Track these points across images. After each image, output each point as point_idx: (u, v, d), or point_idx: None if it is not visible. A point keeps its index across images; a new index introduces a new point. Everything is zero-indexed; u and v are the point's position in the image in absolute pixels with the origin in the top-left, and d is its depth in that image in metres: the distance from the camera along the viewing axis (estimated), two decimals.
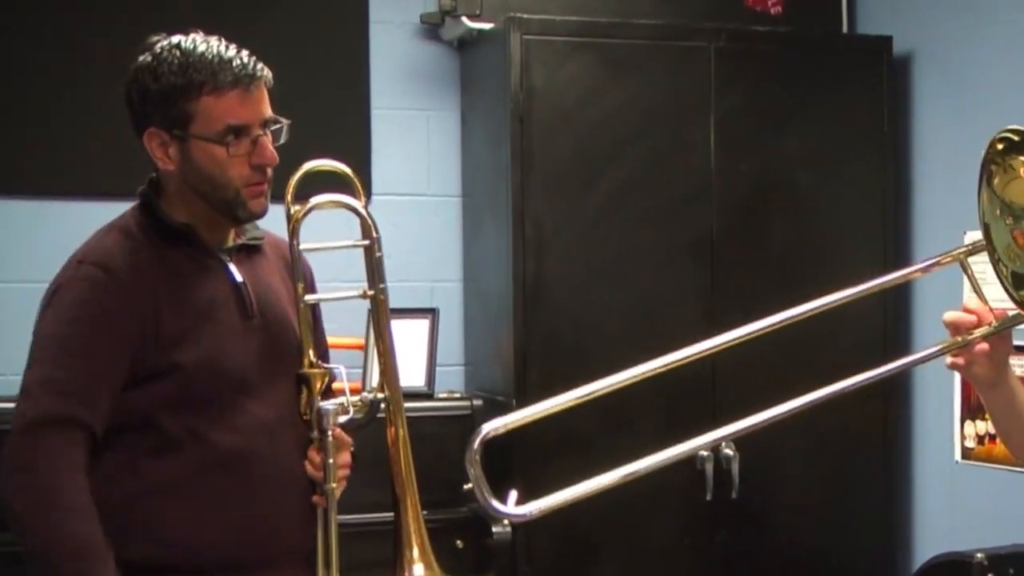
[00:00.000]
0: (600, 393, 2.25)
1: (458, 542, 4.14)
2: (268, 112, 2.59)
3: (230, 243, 2.67)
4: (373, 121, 4.60)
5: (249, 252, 2.71)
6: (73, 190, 4.33)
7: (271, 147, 2.58)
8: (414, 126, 4.66)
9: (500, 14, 4.30)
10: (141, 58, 2.58)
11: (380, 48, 4.60)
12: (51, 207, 4.35)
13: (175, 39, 2.57)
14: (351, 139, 4.56)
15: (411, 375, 4.16)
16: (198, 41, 2.57)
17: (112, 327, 2.48)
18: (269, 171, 2.60)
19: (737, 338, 2.35)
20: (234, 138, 2.54)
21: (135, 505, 2.49)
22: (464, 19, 4.41)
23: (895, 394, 4.52)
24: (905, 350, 4.46)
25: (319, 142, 4.31)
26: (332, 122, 4.51)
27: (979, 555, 3.52)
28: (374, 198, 4.55)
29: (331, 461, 2.63)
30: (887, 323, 4.48)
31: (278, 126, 2.60)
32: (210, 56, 2.54)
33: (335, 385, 2.73)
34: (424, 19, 4.57)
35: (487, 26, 4.38)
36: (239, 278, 2.63)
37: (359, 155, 4.53)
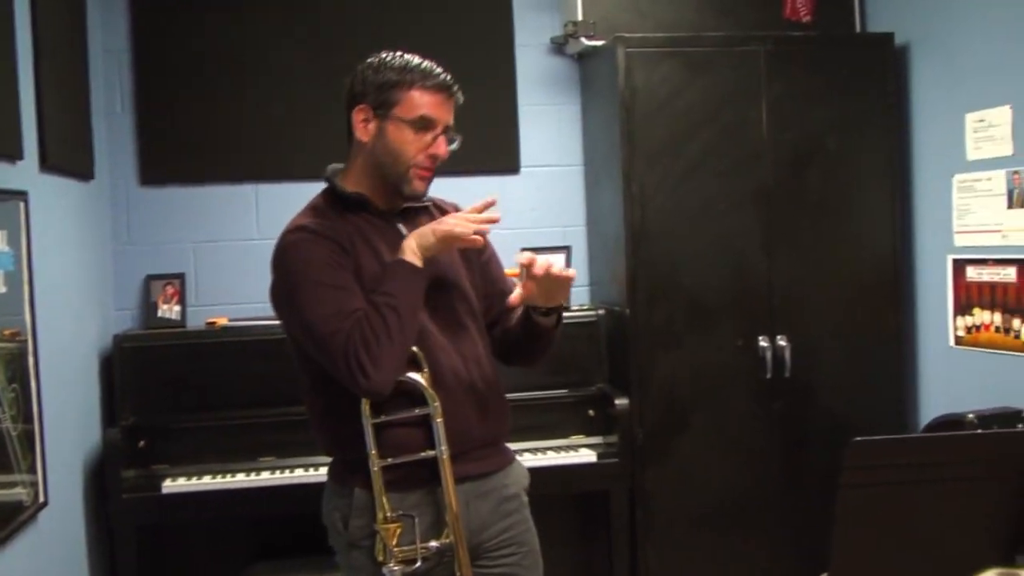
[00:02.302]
0: None
1: (590, 412, 4.23)
2: (451, 121, 2.53)
3: (400, 208, 2.58)
4: (520, 114, 4.64)
5: (416, 213, 2.61)
6: (280, 176, 4.37)
7: (446, 146, 2.52)
8: (549, 117, 4.69)
9: (609, 34, 4.30)
10: (369, 59, 2.54)
11: (523, 62, 4.65)
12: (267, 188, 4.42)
13: (399, 52, 2.54)
14: (505, 128, 4.62)
15: None
16: (416, 56, 2.54)
17: (335, 260, 2.42)
18: (436, 164, 2.53)
19: None
20: (423, 128, 2.48)
21: None
22: (583, 39, 4.43)
23: (904, 295, 4.47)
24: (910, 269, 4.54)
25: (484, 131, 4.58)
26: (491, 118, 4.57)
27: (971, 415, 3.41)
28: (522, 169, 4.64)
29: None
30: (896, 245, 4.43)
31: (455, 136, 2.54)
32: (425, 65, 2.51)
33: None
34: (553, 40, 4.61)
35: (600, 43, 4.39)
36: (405, 232, 2.52)
37: (511, 140, 4.64)
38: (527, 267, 2.46)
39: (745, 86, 4.29)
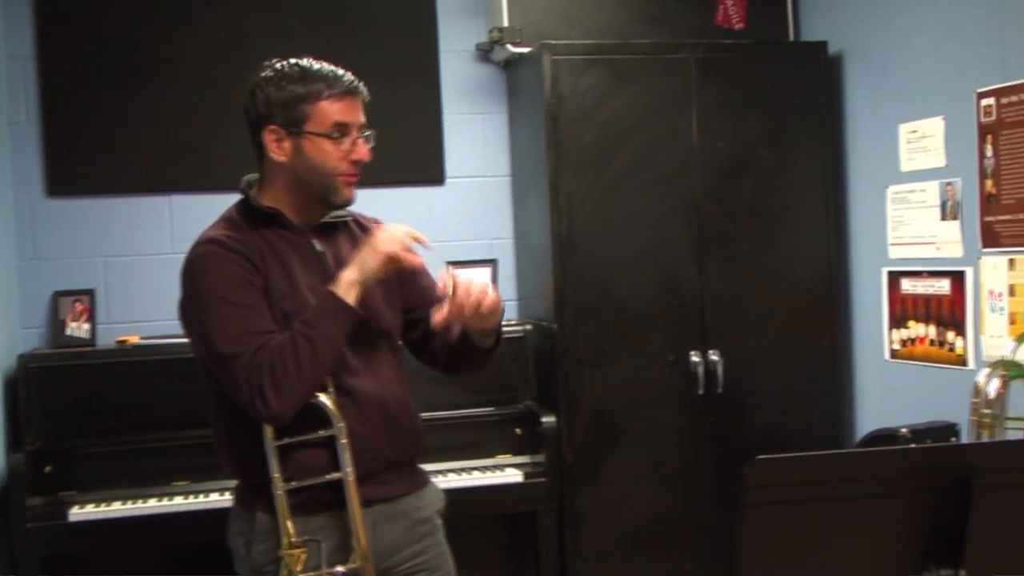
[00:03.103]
0: None
1: (517, 430, 4.23)
2: (363, 120, 2.53)
3: (317, 223, 2.57)
4: (445, 123, 4.64)
5: (334, 228, 2.61)
6: (195, 187, 4.33)
7: (366, 148, 2.53)
8: (475, 126, 4.70)
9: (536, 41, 4.32)
10: (262, 73, 2.51)
11: (448, 69, 4.64)
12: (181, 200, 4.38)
13: (292, 59, 2.52)
14: (430, 138, 4.61)
15: None
16: (312, 61, 2.52)
17: (244, 277, 2.42)
18: (359, 167, 2.53)
19: None
20: (339, 135, 2.47)
21: None
22: (509, 46, 4.44)
23: (839, 308, 4.52)
24: (845, 281, 4.59)
25: (406, 141, 4.57)
26: (415, 127, 4.57)
27: (903, 430, 3.42)
28: (447, 180, 4.64)
29: None
30: (830, 257, 4.49)
31: (369, 132, 2.54)
32: (326, 71, 2.50)
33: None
34: (479, 47, 4.62)
35: (526, 50, 4.41)
36: (319, 248, 2.55)
37: (436, 150, 4.63)
38: (447, 293, 2.47)
39: (675, 94, 4.33)
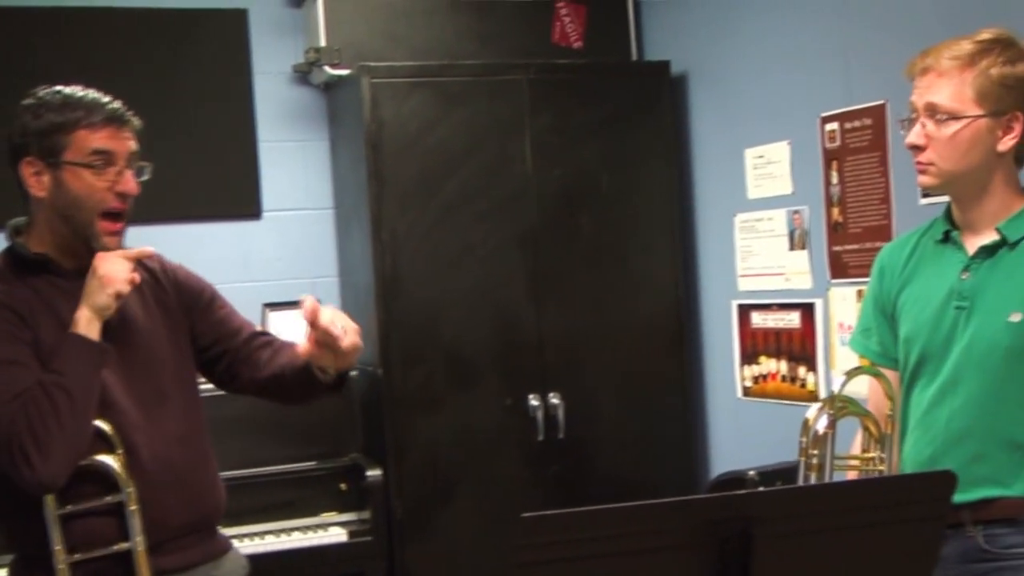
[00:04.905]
0: None
1: (341, 485, 4.20)
2: (134, 148, 2.49)
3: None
4: (260, 152, 4.60)
5: None
6: None
7: (134, 180, 2.47)
8: (294, 155, 4.68)
9: (356, 62, 4.32)
10: (25, 101, 2.49)
11: (262, 92, 4.61)
12: None
13: (57, 87, 2.49)
14: (244, 167, 4.57)
15: None
16: (77, 89, 2.49)
17: (9, 331, 2.39)
18: (129, 204, 2.49)
19: None
20: (102, 164, 2.43)
21: None
22: (327, 68, 4.44)
23: (688, 345, 4.60)
24: (695, 315, 4.70)
25: (217, 172, 4.52)
26: (227, 155, 4.53)
27: (751, 472, 3.53)
28: (264, 214, 4.61)
29: None
30: (678, 291, 4.57)
31: (143, 164, 2.50)
32: (89, 99, 2.47)
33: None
34: (296, 68, 4.60)
35: (345, 72, 4.40)
36: None
37: (251, 181, 4.60)
38: (311, 319, 2.41)
39: (507, 119, 4.39)
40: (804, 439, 2.92)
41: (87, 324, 2.41)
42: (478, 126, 4.35)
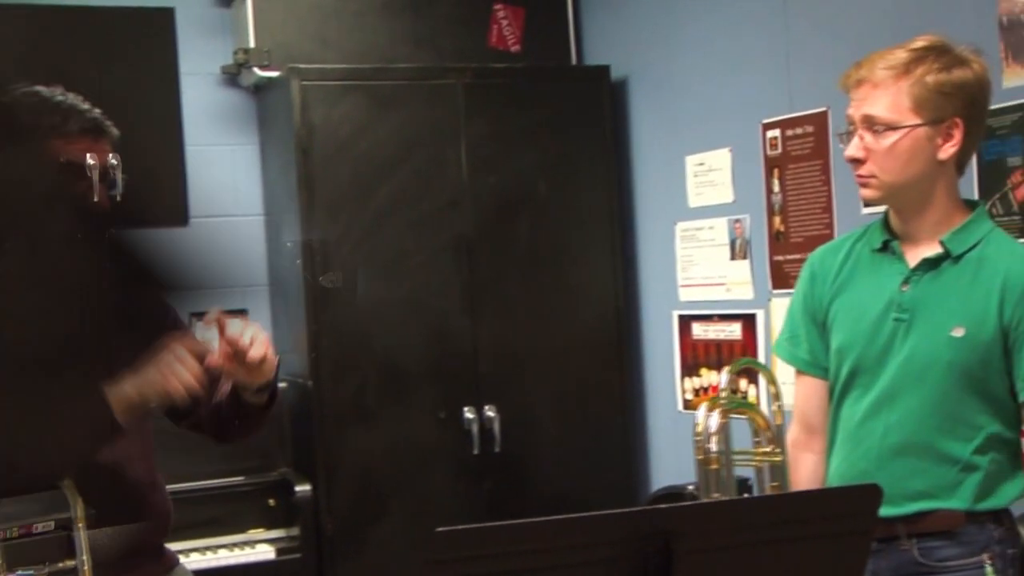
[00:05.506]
0: None
1: (270, 501, 4.21)
2: (112, 161, 2.46)
3: None
4: (188, 155, 4.52)
5: None
6: None
7: (106, 195, 2.45)
8: (223, 159, 4.66)
9: (285, 64, 4.32)
10: None
11: (190, 94, 4.54)
12: None
13: (36, 87, 2.43)
14: (169, 172, 4.47)
15: None
16: (56, 91, 2.43)
17: None
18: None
19: None
20: (72, 178, 2.38)
21: None
22: (256, 69, 4.43)
23: (628, 356, 4.62)
24: (635, 326, 4.71)
25: (140, 175, 4.45)
26: (153, 160, 4.40)
27: (691, 486, 3.57)
28: (192, 220, 4.50)
29: None
30: (618, 301, 4.59)
31: (116, 177, 2.47)
32: (66, 104, 2.42)
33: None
34: (224, 70, 4.59)
35: (275, 74, 4.40)
36: None
37: (176, 186, 4.49)
38: (219, 330, 2.41)
39: (441, 124, 4.40)
40: (698, 438, 3.01)
41: (124, 407, 2.36)
42: (412, 131, 4.36)
